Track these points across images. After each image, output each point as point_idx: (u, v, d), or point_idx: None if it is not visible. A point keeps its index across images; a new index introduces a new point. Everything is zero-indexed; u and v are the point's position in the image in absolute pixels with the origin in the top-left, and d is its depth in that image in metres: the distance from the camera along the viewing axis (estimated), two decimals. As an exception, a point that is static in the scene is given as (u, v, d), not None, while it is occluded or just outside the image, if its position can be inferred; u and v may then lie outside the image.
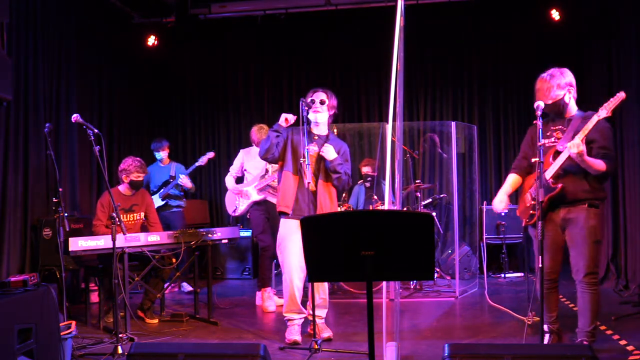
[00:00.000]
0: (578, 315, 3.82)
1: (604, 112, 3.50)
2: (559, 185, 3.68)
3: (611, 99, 3.50)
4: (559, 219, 3.79)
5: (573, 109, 3.84)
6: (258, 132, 5.90)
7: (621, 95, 3.48)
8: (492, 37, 7.95)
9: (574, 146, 3.49)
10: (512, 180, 4.06)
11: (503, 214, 7.03)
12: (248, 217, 6.03)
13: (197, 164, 6.58)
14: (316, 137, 4.45)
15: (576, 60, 7.01)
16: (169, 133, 8.33)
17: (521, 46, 7.81)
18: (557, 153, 3.70)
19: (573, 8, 7.25)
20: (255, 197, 5.80)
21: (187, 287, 6.67)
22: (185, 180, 6.48)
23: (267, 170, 5.79)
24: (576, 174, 3.68)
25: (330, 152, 4.37)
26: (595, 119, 3.51)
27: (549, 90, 3.76)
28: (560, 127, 3.80)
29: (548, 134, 3.82)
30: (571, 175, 3.69)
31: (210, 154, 6.60)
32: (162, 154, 6.78)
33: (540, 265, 3.55)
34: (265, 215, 5.81)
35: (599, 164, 3.60)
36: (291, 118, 4.42)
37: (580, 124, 3.66)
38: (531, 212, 3.88)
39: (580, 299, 3.79)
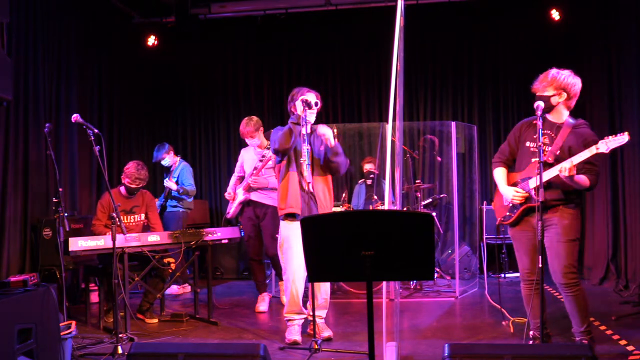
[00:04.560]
0: (570, 317, 3.81)
1: (603, 147, 3.46)
2: (539, 199, 3.63)
3: (615, 138, 3.44)
4: (534, 221, 3.74)
5: (561, 115, 3.79)
6: (247, 124, 5.68)
7: (624, 138, 3.43)
8: (492, 37, 7.95)
9: (565, 170, 3.50)
10: (504, 174, 3.99)
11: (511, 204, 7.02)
12: (239, 219, 5.96)
13: (172, 169, 6.75)
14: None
15: (576, 60, 7.01)
16: (169, 133, 8.34)
17: (521, 46, 7.80)
18: (547, 165, 3.64)
19: (573, 8, 7.25)
20: (240, 197, 5.72)
21: (172, 289, 6.49)
22: (168, 183, 6.56)
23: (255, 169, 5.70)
24: (554, 184, 3.71)
25: (330, 134, 4.34)
26: (593, 150, 3.49)
27: (541, 82, 3.76)
28: (549, 132, 3.77)
29: (535, 136, 3.76)
30: (550, 185, 3.70)
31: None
32: (168, 160, 6.77)
33: (540, 266, 3.54)
34: (253, 222, 5.68)
35: (584, 181, 3.62)
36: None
37: (570, 135, 3.67)
38: (507, 213, 3.91)
39: (566, 302, 3.79)
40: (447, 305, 5.73)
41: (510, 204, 3.88)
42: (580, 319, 3.74)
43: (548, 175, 3.64)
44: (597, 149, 3.47)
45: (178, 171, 6.70)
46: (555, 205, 3.74)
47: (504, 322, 4.86)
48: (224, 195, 6.05)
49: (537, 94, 3.77)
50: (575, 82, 3.75)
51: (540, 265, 3.54)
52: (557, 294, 5.86)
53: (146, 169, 5.46)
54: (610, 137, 3.48)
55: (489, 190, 7.92)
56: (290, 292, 4.44)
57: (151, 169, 6.60)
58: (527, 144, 3.84)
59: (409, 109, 8.01)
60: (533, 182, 3.72)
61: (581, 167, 3.61)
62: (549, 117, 3.82)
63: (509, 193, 3.85)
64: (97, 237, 4.73)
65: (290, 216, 4.44)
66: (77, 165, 6.52)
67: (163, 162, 6.80)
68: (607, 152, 3.48)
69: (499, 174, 4.00)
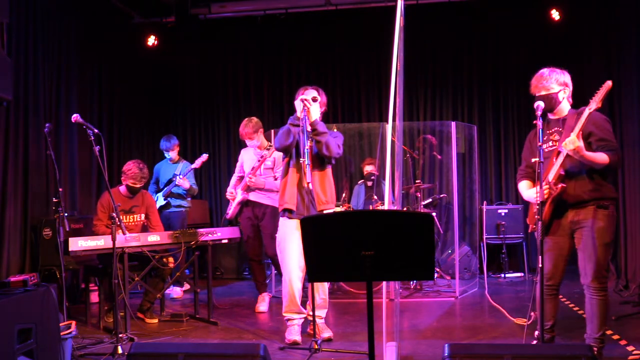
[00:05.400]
0: (586, 321, 3.75)
1: (593, 104, 3.45)
2: (559, 186, 3.62)
3: (598, 90, 3.45)
4: (567, 223, 3.69)
5: (566, 108, 3.78)
6: (246, 125, 5.67)
7: (608, 84, 3.44)
8: (492, 37, 7.95)
9: (569, 143, 3.43)
10: (527, 184, 3.95)
11: (504, 214, 7.07)
12: (239, 220, 5.95)
13: (192, 166, 6.55)
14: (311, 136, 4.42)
15: (576, 60, 7.02)
16: (169, 133, 8.32)
17: (521, 46, 7.80)
18: (559, 154, 3.64)
19: (573, 8, 7.26)
20: (239, 197, 5.72)
21: (176, 291, 6.50)
22: (181, 182, 6.44)
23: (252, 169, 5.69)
24: (579, 174, 3.61)
25: (315, 110, 4.35)
26: (586, 112, 3.46)
27: (546, 81, 3.73)
28: (556, 129, 3.74)
29: (545, 138, 3.74)
30: (574, 175, 3.62)
31: (204, 157, 6.54)
32: (172, 154, 6.74)
33: (540, 266, 3.53)
34: (252, 222, 5.67)
35: (601, 157, 3.51)
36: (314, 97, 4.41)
37: (575, 120, 3.60)
38: (537, 217, 3.84)
39: (588, 304, 3.71)
40: (447, 305, 5.73)
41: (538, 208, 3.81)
42: (598, 324, 3.66)
43: (560, 160, 3.58)
44: (590, 109, 3.45)
45: (182, 170, 6.67)
46: (587, 202, 3.61)
47: (532, 314, 4.76)
48: (224, 196, 6.05)
49: (542, 93, 3.72)
50: (568, 75, 3.78)
51: (540, 265, 3.52)
52: (560, 295, 5.85)
53: (147, 167, 5.48)
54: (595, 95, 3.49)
55: (489, 190, 7.92)
56: (287, 291, 4.43)
57: (150, 167, 6.59)
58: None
59: (409, 109, 8.01)
60: (551, 174, 3.64)
61: (596, 147, 3.56)
62: (552, 116, 3.79)
63: (532, 193, 3.76)
64: (97, 237, 4.73)
65: (288, 212, 4.46)
66: (77, 165, 6.52)
67: (171, 154, 6.73)
68: (599, 105, 3.45)
69: (523, 185, 3.96)
